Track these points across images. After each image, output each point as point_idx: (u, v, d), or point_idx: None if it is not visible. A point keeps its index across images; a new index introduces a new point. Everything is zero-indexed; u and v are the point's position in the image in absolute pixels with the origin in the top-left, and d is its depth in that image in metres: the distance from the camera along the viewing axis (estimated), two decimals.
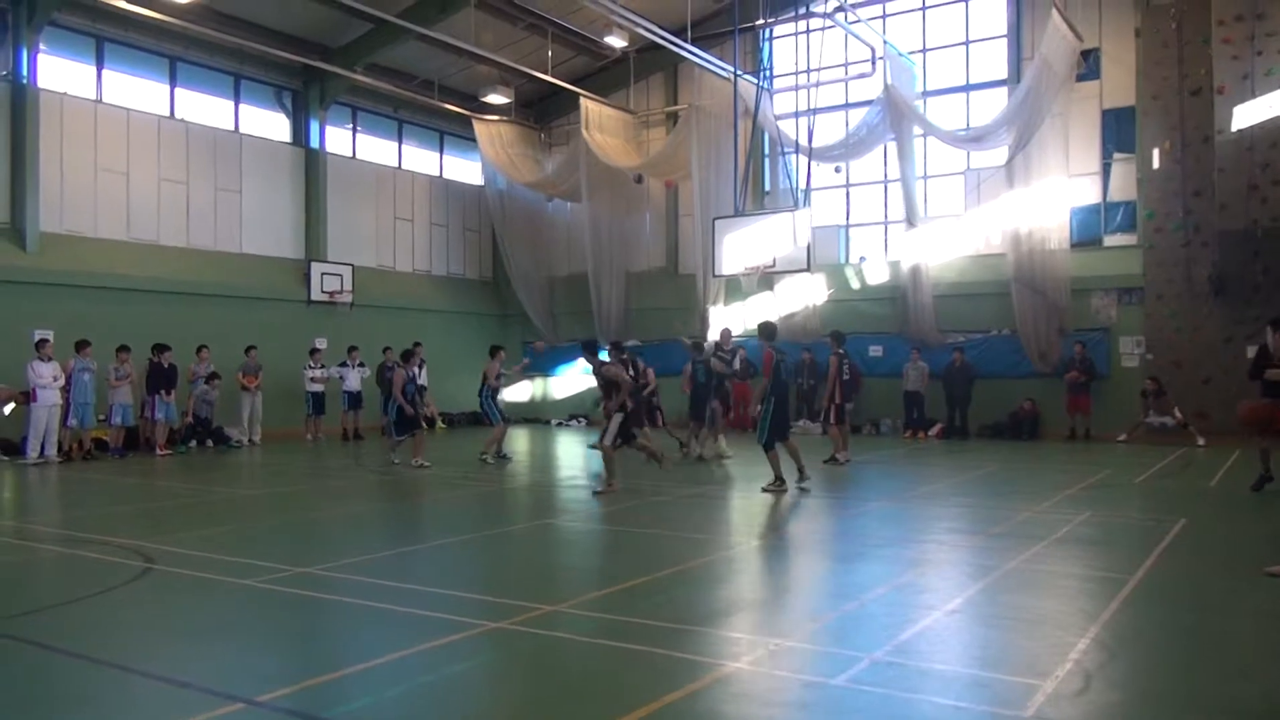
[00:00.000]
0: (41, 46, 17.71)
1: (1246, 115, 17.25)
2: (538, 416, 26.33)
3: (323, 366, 20.51)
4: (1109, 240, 19.95)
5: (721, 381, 15.62)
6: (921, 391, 20.40)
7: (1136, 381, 18.70)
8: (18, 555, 8.23)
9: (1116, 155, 19.83)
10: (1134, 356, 19.24)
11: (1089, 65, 19.88)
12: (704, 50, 20.68)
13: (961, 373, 20.01)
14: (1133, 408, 18.50)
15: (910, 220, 21.07)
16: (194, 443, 18.06)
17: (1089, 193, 20.07)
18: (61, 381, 15.59)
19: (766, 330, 12.22)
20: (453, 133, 26.24)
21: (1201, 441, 17.37)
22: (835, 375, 14.78)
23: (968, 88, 21.71)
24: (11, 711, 4.43)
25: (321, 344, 21.17)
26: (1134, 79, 19.40)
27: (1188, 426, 17.66)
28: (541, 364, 26.13)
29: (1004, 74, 21.05)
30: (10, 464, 15.18)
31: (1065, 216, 19.79)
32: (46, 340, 15.85)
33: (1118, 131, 19.81)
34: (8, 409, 10.99)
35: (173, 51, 20.09)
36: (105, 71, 19.19)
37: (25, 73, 17.40)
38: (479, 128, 24.83)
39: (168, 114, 20.16)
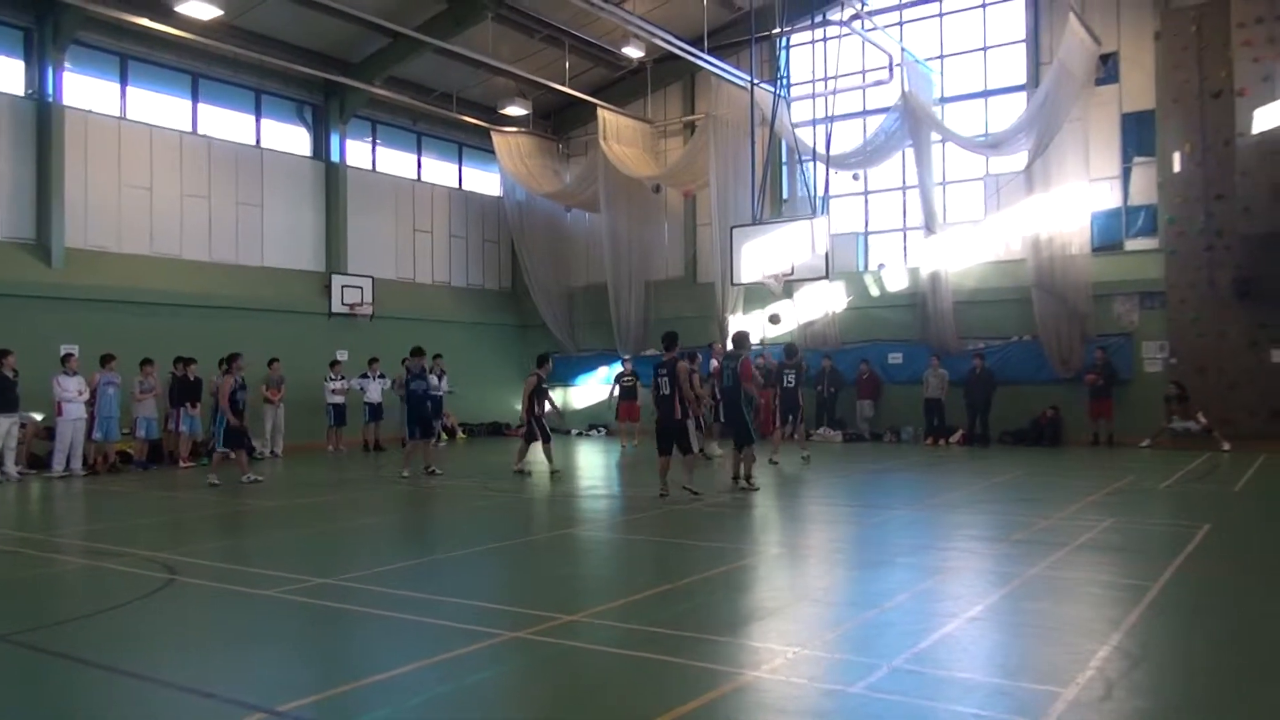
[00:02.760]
0: (67, 65, 17.99)
1: (1268, 118, 17.08)
2: (558, 427, 26.30)
3: (343, 378, 20.66)
4: (1130, 244, 19.79)
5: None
6: (942, 399, 20.29)
7: (1160, 386, 18.55)
8: (44, 568, 8.32)
9: (1137, 159, 19.68)
10: (1157, 361, 19.07)
11: (1108, 69, 19.78)
12: (721, 60, 20.72)
13: (982, 379, 19.90)
14: (1156, 413, 18.35)
15: (929, 227, 21.00)
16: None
17: (1109, 197, 19.92)
18: (86, 395, 15.77)
19: (739, 340, 12.33)
20: (471, 145, 26.39)
21: (1227, 446, 17.21)
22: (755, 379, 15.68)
23: (986, 93, 21.64)
24: None
25: (342, 356, 21.34)
26: (1153, 82, 19.27)
27: (1212, 431, 17.50)
28: (564, 374, 26.24)
29: (1023, 79, 20.96)
30: (37, 477, 15.36)
31: (1086, 221, 19.69)
32: (72, 354, 16.06)
33: (1138, 135, 19.67)
34: None
35: (195, 68, 20.32)
36: (129, 88, 19.44)
37: (51, 91, 17.66)
38: (497, 139, 24.96)
39: (190, 130, 20.38)
